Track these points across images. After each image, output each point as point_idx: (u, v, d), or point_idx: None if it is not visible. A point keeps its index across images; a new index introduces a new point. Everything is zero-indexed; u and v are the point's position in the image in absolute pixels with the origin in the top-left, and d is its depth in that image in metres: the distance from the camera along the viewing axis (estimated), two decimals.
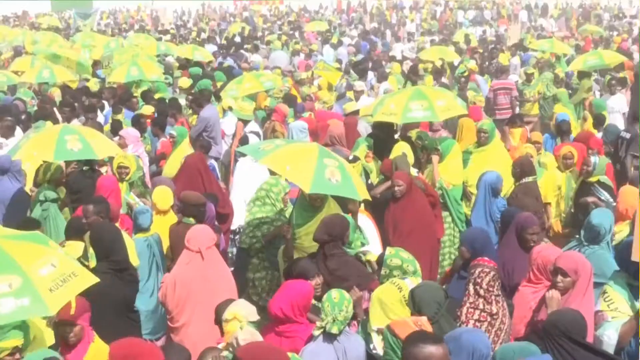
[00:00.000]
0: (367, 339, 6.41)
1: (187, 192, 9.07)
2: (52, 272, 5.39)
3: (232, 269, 10.46)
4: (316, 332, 6.00)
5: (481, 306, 6.47)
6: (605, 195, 9.93)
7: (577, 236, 8.29)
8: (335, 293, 6.10)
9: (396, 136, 12.56)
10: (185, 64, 22.69)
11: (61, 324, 5.96)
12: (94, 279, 5.79)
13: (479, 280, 6.53)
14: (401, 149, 11.12)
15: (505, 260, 7.56)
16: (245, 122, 14.27)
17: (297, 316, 6.23)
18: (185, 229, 8.07)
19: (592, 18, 49.38)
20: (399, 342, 5.21)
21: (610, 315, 6.40)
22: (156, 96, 17.23)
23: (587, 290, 6.57)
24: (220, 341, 5.99)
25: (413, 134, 11.95)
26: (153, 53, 24.09)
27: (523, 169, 10.26)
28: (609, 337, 6.22)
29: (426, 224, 9.64)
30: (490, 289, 6.52)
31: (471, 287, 6.55)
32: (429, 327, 5.31)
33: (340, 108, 16.20)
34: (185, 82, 18.96)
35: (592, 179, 10.06)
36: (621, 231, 8.63)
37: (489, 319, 6.46)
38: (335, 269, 7.50)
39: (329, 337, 5.99)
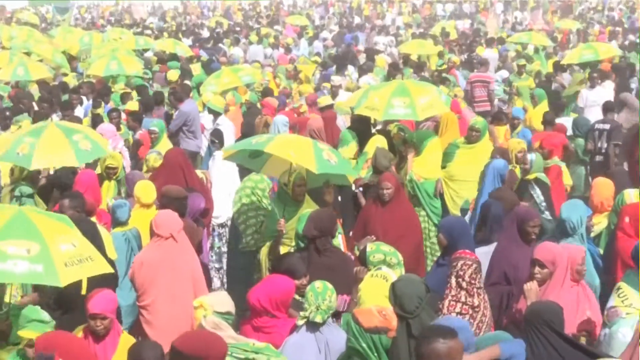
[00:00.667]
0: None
1: (168, 186, 9.04)
2: (71, 250, 5.72)
3: (225, 266, 10.58)
4: (300, 322, 5.98)
5: (463, 299, 6.47)
6: (537, 192, 9.96)
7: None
8: (318, 283, 6.09)
9: (374, 130, 12.62)
10: (164, 59, 22.64)
11: (91, 317, 6.02)
12: (109, 268, 6.14)
13: (461, 273, 6.52)
14: (376, 143, 11.12)
15: (508, 254, 7.50)
16: (216, 115, 14.18)
17: (275, 310, 6.21)
18: None
19: (575, 10, 49.50)
20: (361, 330, 5.25)
21: (625, 311, 6.29)
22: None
23: (564, 281, 6.60)
24: None
25: (393, 127, 11.95)
26: (132, 47, 23.99)
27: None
28: (624, 334, 6.05)
29: (414, 225, 9.54)
30: (473, 281, 6.52)
31: (453, 280, 6.53)
32: (393, 317, 5.33)
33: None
34: (173, 74, 18.94)
35: (530, 177, 10.10)
36: (600, 223, 8.71)
37: (470, 311, 6.46)
38: (332, 265, 7.48)
39: (312, 327, 5.96)
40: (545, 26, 38.67)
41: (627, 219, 7.95)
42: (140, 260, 7.54)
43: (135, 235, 8.78)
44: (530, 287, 6.48)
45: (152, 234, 7.58)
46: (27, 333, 5.71)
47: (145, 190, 9.23)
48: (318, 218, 7.78)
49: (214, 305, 5.83)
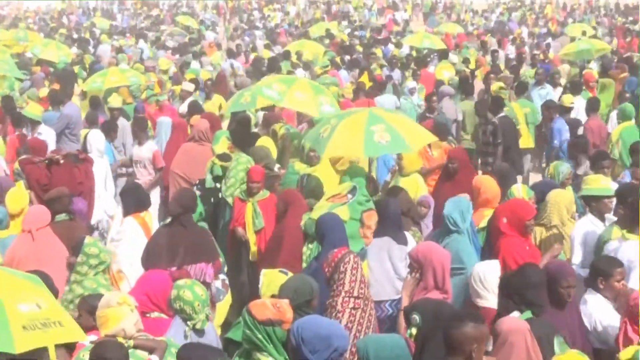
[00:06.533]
0: None
1: (49, 192, 8.92)
2: (34, 311, 4.69)
3: None
4: (188, 332, 6.02)
5: (356, 293, 6.58)
6: None
7: None
8: (199, 290, 6.14)
9: (256, 130, 12.71)
10: (44, 59, 22.16)
11: None
12: (82, 336, 5.25)
13: (355, 266, 6.64)
14: (263, 144, 11.20)
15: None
16: (35, 124, 13.36)
17: (156, 308, 6.36)
18: (58, 228, 8.16)
19: (455, 14, 50.54)
20: (255, 321, 5.28)
21: None
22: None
23: (428, 283, 6.69)
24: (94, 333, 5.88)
25: (279, 127, 12.03)
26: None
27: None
28: None
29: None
30: (364, 274, 6.72)
31: (348, 275, 6.60)
32: (288, 310, 5.39)
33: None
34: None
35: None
36: (489, 216, 8.55)
37: (362, 305, 6.61)
38: (195, 237, 8.18)
39: (199, 334, 6.03)
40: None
41: (504, 220, 7.82)
42: (11, 255, 7.65)
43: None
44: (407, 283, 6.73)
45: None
46: None
47: (13, 199, 8.86)
48: (181, 196, 8.49)
49: (135, 301, 5.84)
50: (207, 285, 7.66)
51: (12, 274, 5.11)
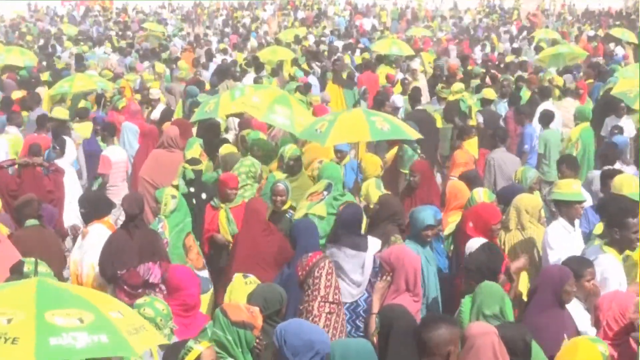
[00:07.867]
0: None
1: (19, 198, 8.91)
2: (121, 318, 4.42)
3: None
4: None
5: (331, 298, 6.65)
6: None
7: None
8: (160, 305, 6.02)
9: (228, 135, 12.67)
10: (10, 66, 22.00)
11: None
12: (163, 340, 5.13)
13: (330, 271, 6.69)
14: (227, 150, 11.22)
15: (542, 325, 6.33)
16: None
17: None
18: (29, 233, 8.30)
19: (422, 21, 50.68)
20: (229, 323, 5.33)
21: None
22: None
23: (399, 286, 6.80)
24: None
25: (246, 133, 12.01)
26: None
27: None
28: None
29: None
30: (338, 279, 6.78)
31: (323, 281, 6.66)
32: (259, 316, 5.42)
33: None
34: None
35: None
36: (454, 221, 8.74)
37: (336, 309, 6.67)
38: (146, 240, 8.10)
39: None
40: (401, 34, 39.19)
41: (470, 224, 7.95)
42: None
43: None
44: (378, 287, 6.80)
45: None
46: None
47: None
48: (138, 198, 8.57)
49: None
50: (153, 286, 7.85)
51: (74, 287, 4.96)
